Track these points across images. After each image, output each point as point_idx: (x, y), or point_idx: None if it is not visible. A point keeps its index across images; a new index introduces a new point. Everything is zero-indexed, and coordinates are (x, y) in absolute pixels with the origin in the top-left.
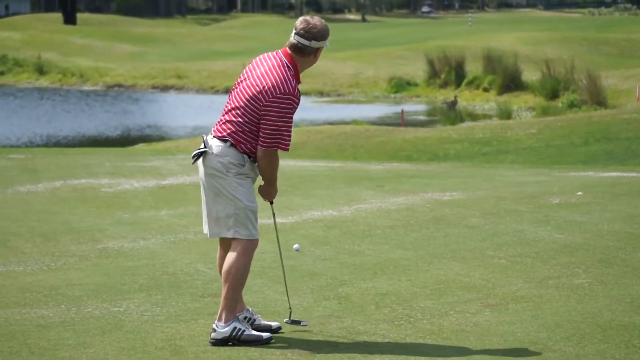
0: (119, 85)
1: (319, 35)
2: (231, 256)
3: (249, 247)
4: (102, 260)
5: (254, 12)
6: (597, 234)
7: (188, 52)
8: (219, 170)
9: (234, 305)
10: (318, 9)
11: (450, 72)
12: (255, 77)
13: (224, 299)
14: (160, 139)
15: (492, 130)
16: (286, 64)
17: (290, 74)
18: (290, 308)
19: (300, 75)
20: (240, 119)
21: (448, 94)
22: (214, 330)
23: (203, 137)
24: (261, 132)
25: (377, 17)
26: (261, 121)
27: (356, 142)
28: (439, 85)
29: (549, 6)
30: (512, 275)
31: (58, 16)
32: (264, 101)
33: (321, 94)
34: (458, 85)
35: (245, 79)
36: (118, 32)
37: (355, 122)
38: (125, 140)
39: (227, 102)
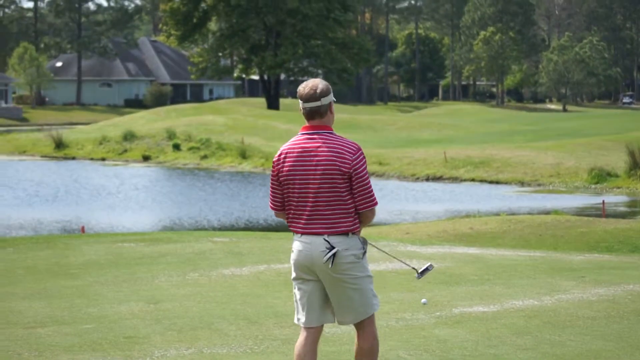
0: None
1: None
2: (369, 332)
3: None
4: None
5: (455, 100)
6: None
7: (389, 139)
8: (352, 262)
9: None
10: (519, 99)
11: None
12: (316, 160)
13: None
14: None
15: None
16: (325, 132)
17: (336, 135)
18: (413, 268)
19: (502, 165)
20: (329, 207)
21: None
22: None
23: (326, 239)
24: (360, 195)
25: (578, 107)
26: (355, 185)
27: (556, 232)
28: None
29: None
30: None
31: (261, 101)
32: (347, 167)
33: (522, 183)
34: None
35: (299, 172)
36: None
37: (555, 212)
38: None
39: (296, 200)
